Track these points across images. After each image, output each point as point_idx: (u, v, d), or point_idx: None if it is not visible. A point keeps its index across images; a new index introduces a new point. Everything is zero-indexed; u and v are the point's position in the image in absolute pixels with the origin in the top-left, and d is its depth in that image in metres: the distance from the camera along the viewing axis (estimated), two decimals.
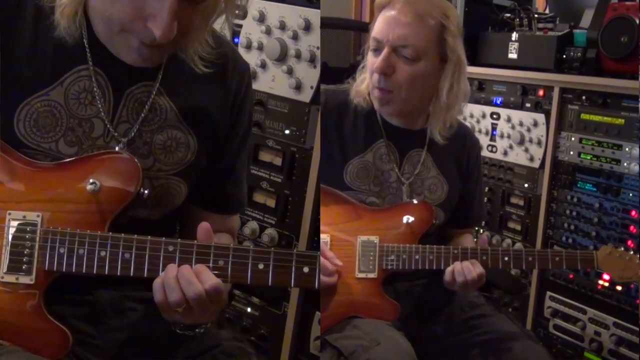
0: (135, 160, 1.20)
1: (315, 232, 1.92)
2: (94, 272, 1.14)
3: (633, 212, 2.09)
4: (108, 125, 1.22)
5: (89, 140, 1.21)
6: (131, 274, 1.15)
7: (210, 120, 1.33)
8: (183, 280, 1.11)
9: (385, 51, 1.52)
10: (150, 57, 1.17)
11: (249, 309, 2.11)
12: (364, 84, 1.63)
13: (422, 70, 1.53)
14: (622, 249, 1.63)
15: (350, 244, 1.57)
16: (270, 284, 1.17)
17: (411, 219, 1.59)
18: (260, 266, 1.16)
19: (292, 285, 1.19)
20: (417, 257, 1.56)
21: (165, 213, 1.32)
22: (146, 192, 1.21)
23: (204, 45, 1.25)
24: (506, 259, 1.56)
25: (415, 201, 1.64)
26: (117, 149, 1.22)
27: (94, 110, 1.21)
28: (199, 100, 1.31)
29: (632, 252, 1.62)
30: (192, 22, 1.13)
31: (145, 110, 1.25)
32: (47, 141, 1.19)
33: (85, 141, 1.21)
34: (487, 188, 2.55)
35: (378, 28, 1.55)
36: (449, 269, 1.53)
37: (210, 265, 1.15)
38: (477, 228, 2.54)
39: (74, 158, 1.19)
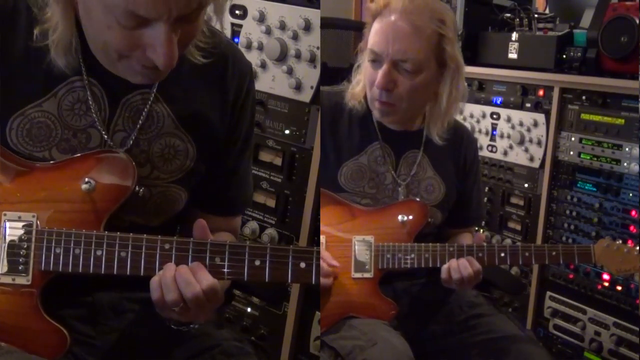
0: (130, 158, 1.19)
1: (315, 232, 1.92)
2: (90, 271, 1.14)
3: (633, 212, 2.09)
4: (104, 135, 1.20)
5: (85, 150, 1.19)
6: (127, 273, 1.15)
7: (209, 124, 1.30)
8: (181, 280, 1.11)
9: (385, 67, 1.50)
10: (157, 77, 1.15)
11: (249, 309, 2.11)
12: (359, 85, 1.62)
13: (423, 81, 1.52)
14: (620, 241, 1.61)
15: (345, 244, 1.56)
16: (267, 280, 1.17)
17: (406, 218, 1.58)
18: (257, 262, 1.16)
19: (290, 281, 1.19)
20: (412, 255, 1.55)
21: (165, 220, 1.31)
22: (142, 190, 1.21)
23: (200, 37, 1.21)
24: (502, 254, 1.56)
25: (411, 200, 1.63)
26: None
27: (89, 121, 1.19)
28: (197, 105, 1.29)
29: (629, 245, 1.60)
30: (193, 31, 1.11)
31: (142, 119, 1.23)
32: (39, 150, 1.17)
33: (80, 151, 1.19)
34: (487, 188, 2.55)
35: (376, 40, 1.52)
36: (444, 267, 1.53)
37: (207, 262, 1.15)
38: (477, 228, 2.53)
39: (68, 158, 1.18)
